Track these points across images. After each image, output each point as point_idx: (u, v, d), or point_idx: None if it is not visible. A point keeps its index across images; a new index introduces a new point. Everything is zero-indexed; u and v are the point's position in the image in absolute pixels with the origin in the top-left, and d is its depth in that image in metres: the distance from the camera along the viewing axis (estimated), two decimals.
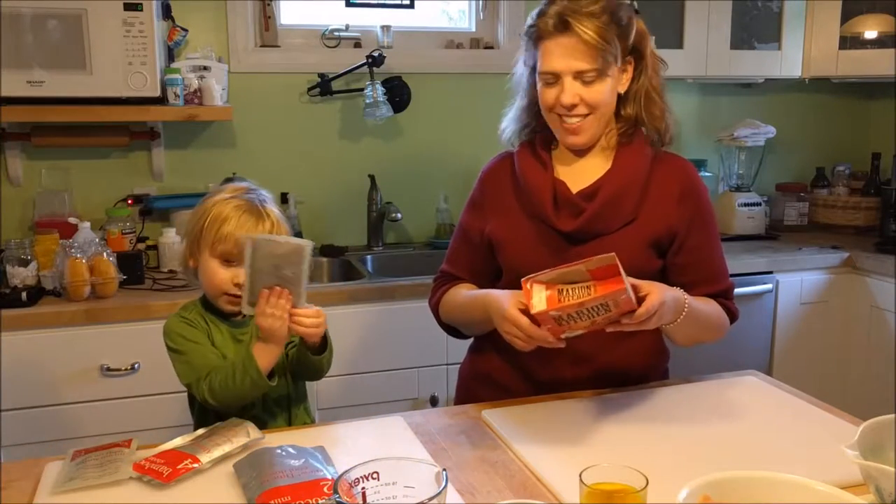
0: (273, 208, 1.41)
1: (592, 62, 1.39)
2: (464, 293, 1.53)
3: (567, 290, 1.19)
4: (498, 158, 1.60)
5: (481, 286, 1.55)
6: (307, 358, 1.39)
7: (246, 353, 1.31)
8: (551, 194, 1.47)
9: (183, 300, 2.10)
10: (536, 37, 1.42)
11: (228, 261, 1.37)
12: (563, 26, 1.38)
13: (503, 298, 1.31)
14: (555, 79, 1.41)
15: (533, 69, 1.47)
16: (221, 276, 1.38)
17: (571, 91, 1.40)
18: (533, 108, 1.52)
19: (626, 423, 1.33)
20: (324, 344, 1.40)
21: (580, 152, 1.51)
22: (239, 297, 1.35)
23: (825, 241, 2.89)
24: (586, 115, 1.43)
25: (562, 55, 1.40)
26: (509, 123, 1.58)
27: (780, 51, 2.92)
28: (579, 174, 1.50)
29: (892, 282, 2.57)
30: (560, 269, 1.20)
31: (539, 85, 1.45)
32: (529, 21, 1.46)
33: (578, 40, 1.38)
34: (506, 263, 1.51)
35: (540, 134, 1.53)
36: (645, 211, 1.46)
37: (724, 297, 1.51)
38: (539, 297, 1.20)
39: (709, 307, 1.46)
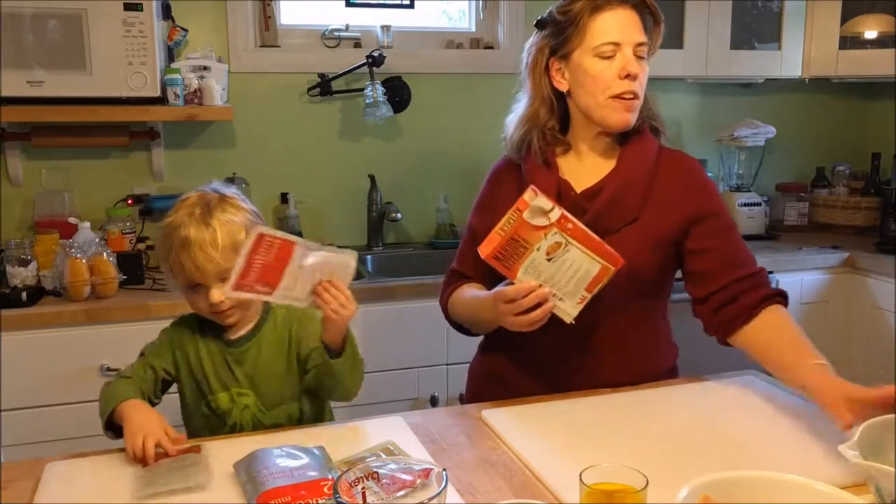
0: (220, 213, 1.30)
1: (645, 35, 1.41)
2: (471, 293, 1.54)
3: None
4: (506, 159, 1.59)
5: (489, 286, 1.53)
6: (328, 366, 1.32)
7: (113, 394, 1.28)
8: (555, 194, 1.45)
9: (182, 300, 2.12)
10: (593, 8, 1.39)
11: (194, 286, 1.32)
12: None
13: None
14: (613, 52, 1.39)
15: (562, 58, 1.44)
16: (195, 302, 1.34)
17: (634, 61, 1.39)
18: (548, 105, 1.49)
19: (626, 423, 1.33)
20: (343, 345, 1.32)
21: (589, 151, 1.50)
22: (223, 311, 1.32)
23: (825, 241, 2.89)
24: (636, 97, 1.42)
25: (623, 25, 1.39)
26: (518, 128, 1.52)
27: (780, 51, 2.92)
28: (584, 174, 1.50)
29: (892, 282, 2.57)
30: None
31: (590, 63, 1.41)
32: (566, 5, 1.42)
33: (634, 11, 1.39)
34: None
35: (549, 135, 1.50)
36: (648, 209, 1.46)
37: (762, 283, 1.45)
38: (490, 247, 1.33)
39: (793, 328, 1.40)
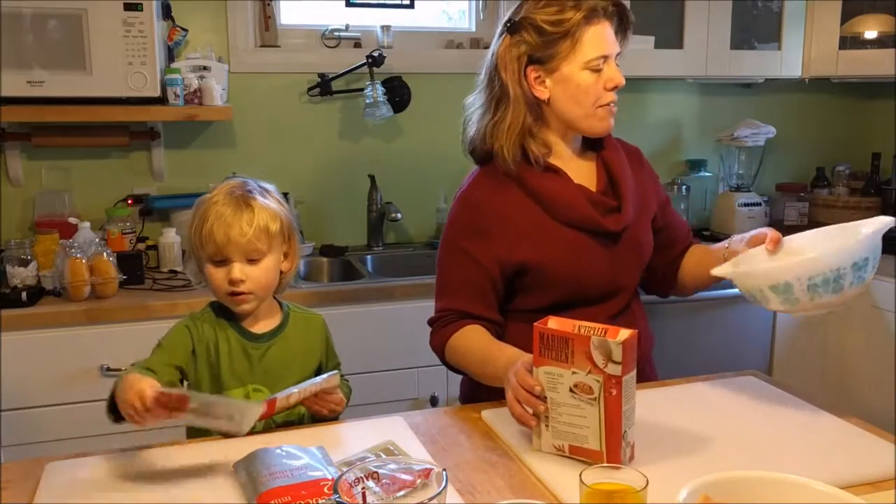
0: (260, 198, 1.36)
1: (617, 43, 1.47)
2: (482, 350, 1.43)
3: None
4: (476, 178, 1.54)
5: (493, 317, 1.49)
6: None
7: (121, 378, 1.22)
8: (585, 198, 1.47)
9: (183, 300, 2.14)
10: (586, 22, 1.40)
11: (218, 261, 1.34)
12: (616, 7, 1.44)
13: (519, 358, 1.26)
14: (601, 65, 1.43)
15: (547, 68, 1.43)
16: (215, 277, 1.35)
17: (619, 72, 1.44)
18: (535, 112, 1.47)
19: None
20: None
21: (571, 152, 1.54)
22: (241, 293, 1.34)
23: None
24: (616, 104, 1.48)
25: (608, 38, 1.43)
26: (510, 139, 1.46)
27: (780, 51, 2.92)
28: (576, 172, 1.51)
29: (892, 282, 2.57)
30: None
31: (581, 77, 1.42)
32: (555, 15, 1.41)
33: (610, 24, 1.44)
34: (551, 281, 1.45)
35: (542, 140, 1.49)
36: (639, 194, 1.54)
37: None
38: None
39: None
